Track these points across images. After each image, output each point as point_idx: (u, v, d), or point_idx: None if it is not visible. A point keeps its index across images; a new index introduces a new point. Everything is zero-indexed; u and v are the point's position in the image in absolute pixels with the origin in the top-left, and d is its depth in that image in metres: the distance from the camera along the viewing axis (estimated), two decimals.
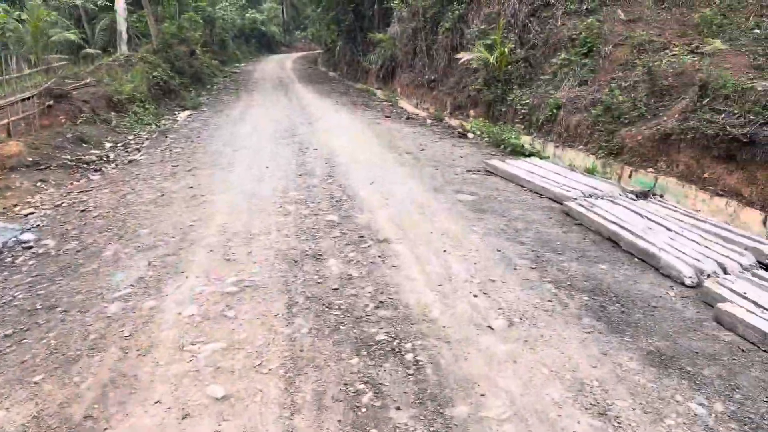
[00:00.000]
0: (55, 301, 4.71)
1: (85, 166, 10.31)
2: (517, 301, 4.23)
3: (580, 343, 3.68)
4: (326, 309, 4.22)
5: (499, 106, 12.29)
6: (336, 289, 4.53)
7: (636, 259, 5.04)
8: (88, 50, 23.65)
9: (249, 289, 4.66)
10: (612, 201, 6.40)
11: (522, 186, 7.42)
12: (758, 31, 9.71)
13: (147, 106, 15.94)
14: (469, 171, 8.24)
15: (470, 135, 11.35)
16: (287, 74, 29.06)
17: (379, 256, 5.15)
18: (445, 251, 5.23)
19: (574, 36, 11.30)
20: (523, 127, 11.28)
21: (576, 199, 6.48)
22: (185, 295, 4.65)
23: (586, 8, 12.07)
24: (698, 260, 4.69)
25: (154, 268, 5.28)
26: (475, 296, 4.33)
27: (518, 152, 9.80)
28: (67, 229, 6.59)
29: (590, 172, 8.36)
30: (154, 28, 21.91)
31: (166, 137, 12.24)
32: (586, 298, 4.29)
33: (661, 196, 7.04)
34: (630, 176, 8.39)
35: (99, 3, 21.10)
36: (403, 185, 7.55)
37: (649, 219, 5.69)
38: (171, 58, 21.63)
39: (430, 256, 5.14)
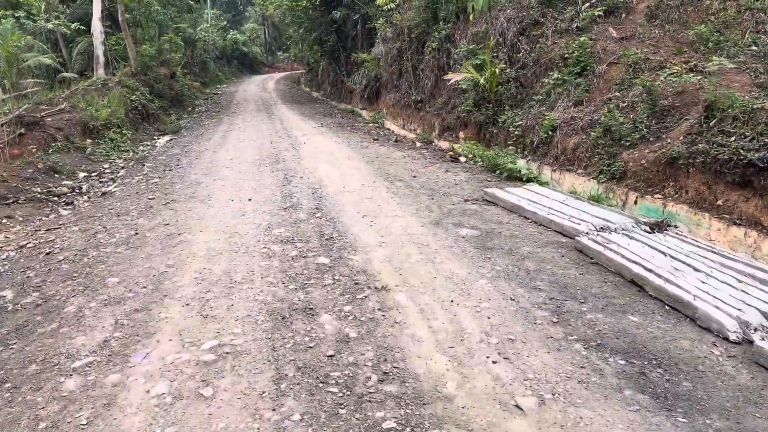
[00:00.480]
0: (5, 374, 3.95)
1: (55, 199, 9.54)
2: (545, 368, 3.57)
3: (628, 427, 3.03)
4: (321, 384, 3.51)
5: (491, 127, 11.77)
6: (332, 356, 3.83)
7: (667, 307, 4.43)
8: (65, 74, 22.79)
9: (230, 357, 3.93)
10: (627, 235, 5.81)
11: (526, 218, 6.81)
12: (756, 48, 9.33)
13: (125, 131, 15.18)
14: (466, 200, 7.62)
15: (462, 159, 10.77)
16: (270, 95, 28.43)
17: (379, 309, 4.47)
18: (452, 301, 4.57)
19: (567, 55, 10.85)
20: (516, 149, 10.76)
21: (588, 233, 5.88)
22: (155, 365, 3.90)
23: (577, 26, 11.67)
24: (740, 309, 4.10)
25: (122, 328, 4.53)
26: (495, 362, 3.66)
27: (515, 177, 9.23)
28: (28, 277, 5.82)
29: (595, 200, 7.80)
30: (133, 50, 21.15)
31: (143, 165, 11.47)
32: (623, 361, 3.65)
33: (676, 227, 6.49)
34: (635, 202, 7.85)
35: (75, 26, 20.26)
36: (398, 218, 6.90)
37: (673, 257, 5.10)
38: (150, 81, 20.92)
39: (436, 308, 4.47)
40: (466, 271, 5.19)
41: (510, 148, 10.76)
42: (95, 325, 4.64)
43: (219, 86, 34.52)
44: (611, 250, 5.30)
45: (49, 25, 21.98)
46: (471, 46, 12.70)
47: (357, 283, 5.01)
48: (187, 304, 4.84)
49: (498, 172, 9.50)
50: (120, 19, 20.46)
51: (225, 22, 44.39)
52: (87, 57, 23.18)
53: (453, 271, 5.18)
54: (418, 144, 12.83)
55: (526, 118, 10.84)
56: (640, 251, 5.26)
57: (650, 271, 4.78)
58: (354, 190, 8.30)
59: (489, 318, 4.24)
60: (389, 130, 15.92)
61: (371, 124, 16.80)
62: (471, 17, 11.66)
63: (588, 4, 12.26)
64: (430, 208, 7.31)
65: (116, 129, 14.94)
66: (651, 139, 8.39)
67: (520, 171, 9.18)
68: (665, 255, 5.14)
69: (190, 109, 23.83)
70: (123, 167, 11.74)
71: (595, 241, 5.56)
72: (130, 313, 4.80)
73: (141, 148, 14.39)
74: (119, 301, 5.05)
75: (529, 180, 8.97)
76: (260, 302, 4.73)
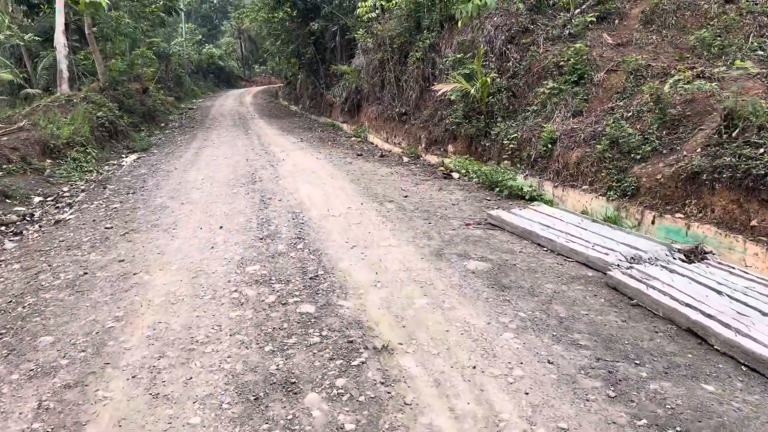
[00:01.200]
0: None
1: (2, 229, 8.26)
2: None
3: None
4: None
5: (482, 140, 10.83)
6: None
7: (744, 368, 3.45)
8: (29, 90, 21.32)
9: None
10: (666, 267, 4.84)
11: (540, 245, 5.81)
12: (763, 53, 8.58)
13: (89, 150, 13.87)
14: (468, 225, 6.61)
15: (455, 175, 9.78)
16: (247, 109, 27.23)
17: (382, 383, 3.38)
18: (474, 367, 3.51)
19: (562, 63, 10.00)
20: (511, 163, 9.83)
21: (618, 265, 4.91)
22: None
23: (569, 33, 10.85)
24: None
25: (45, 414, 3.37)
26: None
27: (516, 195, 8.26)
28: None
29: (613, 221, 6.86)
30: (101, 65, 19.83)
31: (105, 188, 10.22)
32: None
33: (714, 254, 5.56)
34: (653, 222, 6.93)
35: (30, 38, 18.89)
36: (393, 249, 5.84)
37: (731, 297, 4.15)
38: (120, 96, 19.59)
39: (455, 378, 3.40)
40: (484, 320, 4.14)
41: (505, 162, 9.82)
42: (12, 410, 3.47)
43: (194, 101, 33.17)
44: (654, 288, 4.32)
45: (14, 40, 20.57)
46: (458, 56, 11.79)
47: (351, 341, 3.92)
48: (134, 377, 3.69)
49: (498, 190, 8.51)
50: (87, 32, 19.14)
51: (200, 36, 43.05)
52: (53, 72, 21.72)
53: (468, 321, 4.13)
54: (406, 159, 11.81)
55: (521, 130, 9.93)
56: (688, 289, 4.29)
57: (711, 317, 3.81)
58: (340, 214, 7.21)
59: (527, 394, 3.19)
60: (373, 144, 14.90)
61: (354, 138, 15.75)
62: (459, 24, 10.75)
63: (578, 10, 11.48)
64: (429, 235, 6.27)
65: (80, 148, 13.63)
66: (664, 151, 7.51)
67: (521, 188, 8.22)
68: (721, 294, 4.18)
69: (163, 124, 22.50)
70: (83, 190, 10.47)
71: (632, 277, 4.57)
72: (60, 390, 3.64)
73: (106, 167, 13.11)
74: (49, 372, 3.88)
75: (532, 198, 8.00)
76: (227, 373, 3.61)
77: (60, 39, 16.45)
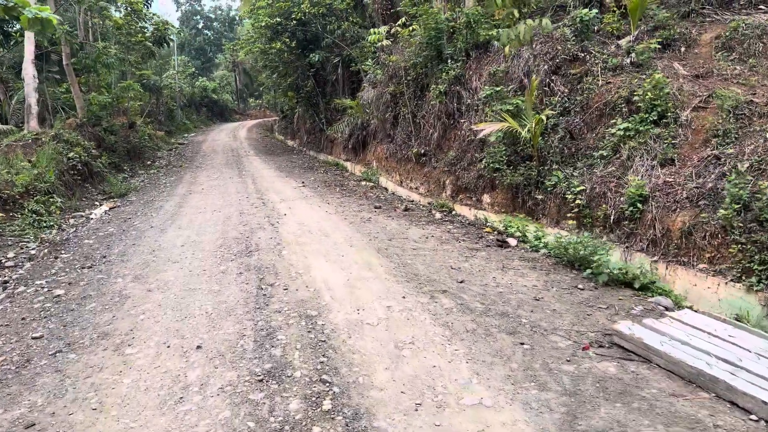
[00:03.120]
0: None
1: None
2: None
3: None
4: None
5: (533, 191, 8.48)
6: None
7: None
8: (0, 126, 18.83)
9: None
10: None
11: (736, 404, 3.37)
12: None
13: (53, 199, 11.36)
14: (585, 348, 4.14)
15: (511, 241, 7.35)
16: (241, 145, 24.85)
17: None
18: None
19: (636, 97, 7.77)
20: (577, 224, 7.49)
21: None
22: None
23: (632, 62, 8.68)
24: None
25: None
26: None
27: (618, 281, 5.81)
28: None
29: None
30: (80, 98, 17.43)
31: (57, 257, 7.68)
32: None
33: None
34: None
35: (13, 70, 16.55)
36: (486, 413, 3.37)
37: None
38: (99, 133, 17.15)
39: None
40: None
41: (570, 222, 7.47)
42: None
43: (186, 135, 30.79)
44: None
45: None
46: (497, 88, 9.54)
47: None
48: None
49: (588, 271, 6.02)
50: (65, 62, 16.77)
51: (193, 69, 40.91)
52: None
53: None
54: (437, 214, 9.37)
55: (589, 182, 7.62)
56: None
57: None
58: (378, 321, 4.72)
59: None
60: (386, 189, 12.53)
61: (364, 182, 13.35)
62: (506, 50, 8.49)
63: (631, 37, 9.37)
64: (534, 375, 3.78)
65: (42, 197, 11.13)
66: None
67: (626, 273, 5.75)
68: None
69: (150, 162, 20.04)
70: (31, 258, 7.92)
71: None
72: None
73: (72, 221, 10.59)
74: None
75: (644, 288, 5.58)
76: None
77: (29, 70, 14.07)
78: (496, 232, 7.79)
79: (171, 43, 29.32)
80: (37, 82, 14.46)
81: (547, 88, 9.45)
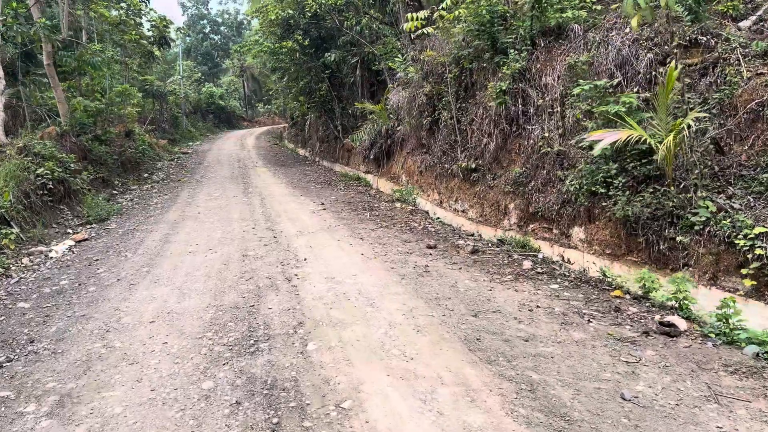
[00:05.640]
0: None
1: None
2: None
3: None
4: None
5: (665, 228, 5.67)
6: None
7: None
8: None
9: None
10: None
11: None
12: None
13: (8, 230, 8.67)
14: None
15: (679, 323, 4.42)
16: (248, 154, 22.09)
17: None
18: None
19: None
20: (754, 285, 4.69)
21: None
22: None
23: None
24: None
25: None
26: None
27: None
28: None
29: None
30: (64, 104, 14.73)
31: None
32: None
33: None
34: None
35: None
36: None
37: None
38: (85, 143, 14.45)
39: None
40: None
41: (747, 282, 4.68)
42: None
43: (191, 144, 28.12)
44: None
45: None
46: (598, 82, 6.76)
47: None
48: None
49: None
50: (45, 62, 14.09)
51: (199, 74, 38.27)
52: (11, 114, 16.58)
53: None
54: (520, 259, 6.48)
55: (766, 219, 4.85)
56: None
57: None
58: None
59: None
60: (426, 212, 9.75)
61: (399, 204, 10.53)
62: (633, 23, 5.69)
63: (750, 21, 6.63)
64: None
65: None
66: None
67: None
68: None
69: (147, 175, 17.34)
70: None
71: None
72: None
73: (26, 260, 7.87)
74: None
75: None
76: None
77: None
78: (628, 296, 4.97)
79: (172, 44, 26.66)
80: (4, 85, 11.77)
81: (654, 84, 6.68)
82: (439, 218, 9.43)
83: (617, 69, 7.16)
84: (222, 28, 50.10)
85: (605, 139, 5.31)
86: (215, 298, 5.17)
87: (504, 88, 8.34)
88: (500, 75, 8.69)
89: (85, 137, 14.82)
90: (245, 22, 44.84)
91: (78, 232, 9.45)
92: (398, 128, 13.22)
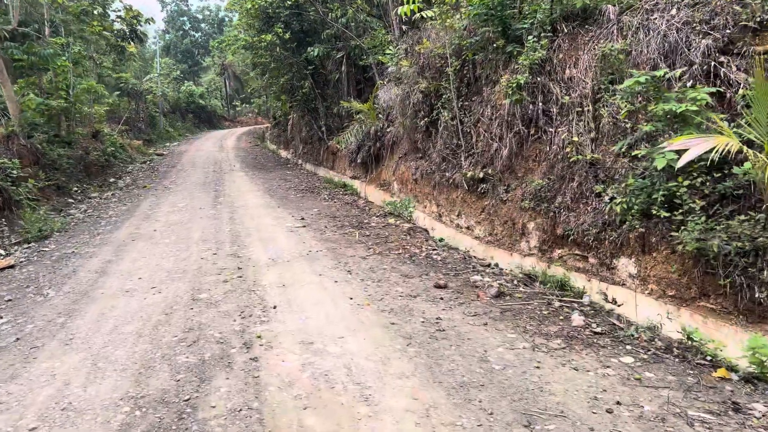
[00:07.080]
0: None
1: None
2: None
3: None
4: None
5: (764, 268, 4.11)
6: None
7: None
8: None
9: None
10: None
11: None
12: None
13: None
14: None
15: None
16: (227, 156, 20.20)
17: None
18: None
19: None
20: None
21: None
22: None
23: None
24: None
25: None
26: None
27: None
28: None
29: None
30: (14, 103, 12.79)
31: None
32: None
33: None
34: None
35: None
36: None
37: None
38: (37, 146, 12.55)
39: None
40: None
41: None
42: None
43: (168, 145, 26.09)
44: None
45: None
46: (656, 73, 5.19)
47: None
48: None
49: None
50: None
51: (178, 72, 36.07)
52: None
53: None
54: (575, 318, 4.66)
55: None
56: None
57: None
58: None
59: None
60: (426, 230, 8.12)
61: (392, 219, 8.87)
62: None
63: None
64: None
65: None
66: None
67: None
68: None
69: (113, 180, 15.42)
70: None
71: None
72: None
73: None
74: None
75: None
76: None
77: None
78: (734, 376, 3.40)
79: (147, 40, 24.58)
80: None
81: (713, 77, 5.13)
82: (443, 240, 7.77)
83: (662, 59, 5.60)
84: (203, 25, 47.75)
85: (693, 148, 3.72)
86: (137, 382, 3.46)
87: (523, 82, 6.73)
88: (514, 67, 7.09)
89: (38, 139, 12.91)
90: (227, 19, 42.63)
91: (4, 257, 7.62)
92: (389, 129, 11.58)
